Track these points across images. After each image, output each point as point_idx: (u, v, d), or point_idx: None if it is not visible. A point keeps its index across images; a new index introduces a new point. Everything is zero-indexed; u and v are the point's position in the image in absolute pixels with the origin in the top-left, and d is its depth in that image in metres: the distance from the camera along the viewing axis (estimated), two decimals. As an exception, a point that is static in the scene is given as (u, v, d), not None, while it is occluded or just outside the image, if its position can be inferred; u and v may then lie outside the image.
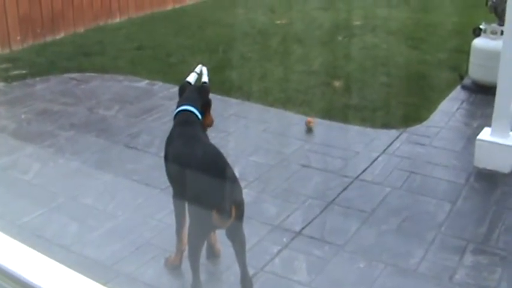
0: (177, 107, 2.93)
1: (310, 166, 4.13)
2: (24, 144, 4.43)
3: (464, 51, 5.76)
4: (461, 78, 5.69)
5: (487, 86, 5.13)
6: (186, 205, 2.76)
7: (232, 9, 8.65)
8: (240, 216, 2.64)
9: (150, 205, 3.59)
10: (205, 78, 3.02)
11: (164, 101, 5.24)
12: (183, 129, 2.86)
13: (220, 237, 2.88)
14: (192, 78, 3.04)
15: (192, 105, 2.87)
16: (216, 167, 2.63)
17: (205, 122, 2.96)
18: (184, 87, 3.01)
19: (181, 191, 2.78)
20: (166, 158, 2.89)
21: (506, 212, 3.59)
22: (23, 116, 4.90)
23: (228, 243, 2.75)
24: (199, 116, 2.88)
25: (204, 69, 3.06)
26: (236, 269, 2.76)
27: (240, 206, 2.64)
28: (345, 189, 3.83)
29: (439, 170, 4.10)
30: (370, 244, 3.26)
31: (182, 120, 2.87)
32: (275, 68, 6.11)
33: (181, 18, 8.27)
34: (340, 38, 7.28)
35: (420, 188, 3.87)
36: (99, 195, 3.72)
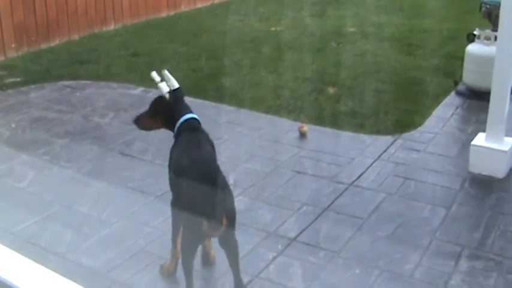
0: (178, 116, 2.85)
1: (305, 173, 4.14)
2: (19, 152, 4.41)
3: (459, 57, 5.78)
4: (456, 84, 5.72)
5: (481, 91, 5.15)
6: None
7: (226, 16, 8.67)
8: (231, 224, 2.63)
9: (145, 212, 3.59)
10: (174, 83, 2.90)
11: (159, 108, 5.23)
12: (188, 137, 2.80)
13: (215, 245, 2.88)
14: (164, 90, 2.90)
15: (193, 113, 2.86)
16: (207, 175, 2.61)
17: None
18: (161, 101, 2.90)
19: (178, 198, 2.78)
20: (169, 164, 2.86)
21: (501, 217, 3.60)
22: (13, 125, 4.87)
23: (223, 250, 2.75)
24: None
25: (167, 73, 2.92)
26: (231, 275, 2.77)
27: (231, 215, 2.63)
28: (339, 195, 3.83)
29: (433, 176, 4.11)
30: (365, 250, 3.26)
31: (189, 127, 2.82)
32: (270, 75, 6.12)
33: (176, 25, 8.28)
34: (334, 45, 7.31)
35: (415, 193, 3.87)
36: (94, 202, 3.71)
